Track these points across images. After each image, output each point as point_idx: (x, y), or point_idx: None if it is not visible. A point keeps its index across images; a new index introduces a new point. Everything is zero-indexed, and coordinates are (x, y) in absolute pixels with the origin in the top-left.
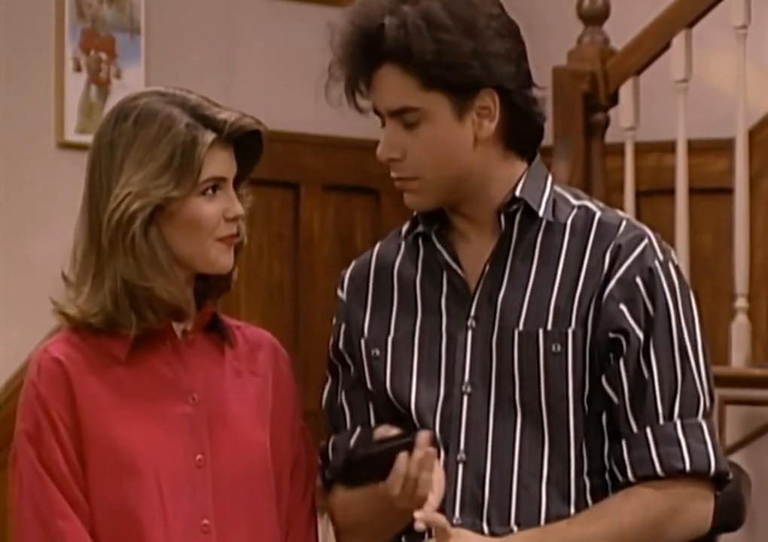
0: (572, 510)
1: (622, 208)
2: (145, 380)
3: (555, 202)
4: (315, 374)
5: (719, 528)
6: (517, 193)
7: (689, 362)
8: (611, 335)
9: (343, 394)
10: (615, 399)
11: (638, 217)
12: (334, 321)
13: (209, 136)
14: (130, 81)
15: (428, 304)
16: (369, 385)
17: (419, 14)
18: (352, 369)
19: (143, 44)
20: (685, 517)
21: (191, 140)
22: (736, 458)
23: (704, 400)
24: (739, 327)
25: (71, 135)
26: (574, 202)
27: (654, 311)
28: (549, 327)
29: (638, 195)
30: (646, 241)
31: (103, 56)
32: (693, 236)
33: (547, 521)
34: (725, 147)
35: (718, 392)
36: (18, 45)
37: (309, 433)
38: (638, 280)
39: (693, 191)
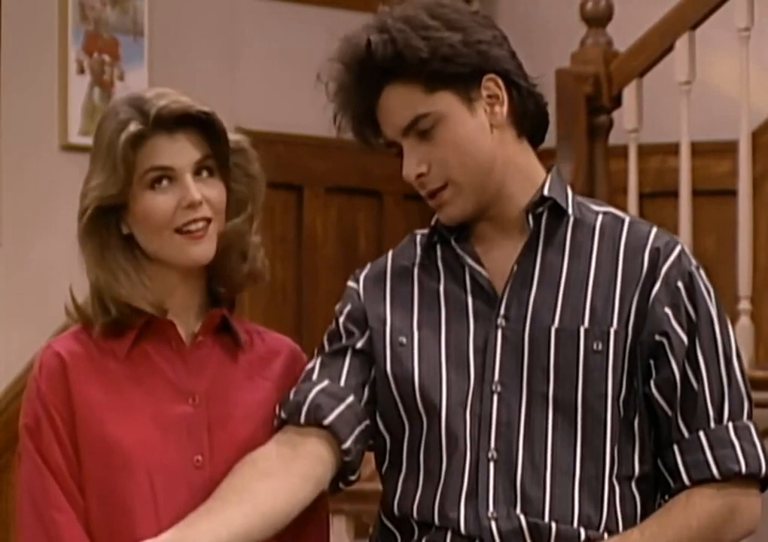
0: (604, 512)
1: (625, 210)
2: (145, 379)
3: (579, 206)
4: None
5: None
6: (546, 192)
7: (732, 365)
8: (657, 338)
9: (321, 357)
10: (664, 404)
11: (642, 219)
12: (337, 307)
13: (134, 127)
14: (133, 83)
15: (453, 306)
16: (389, 372)
17: (401, 21)
18: (337, 349)
19: (146, 46)
20: (741, 517)
21: (116, 134)
22: None
23: (747, 402)
24: (742, 330)
25: (75, 137)
26: (596, 208)
27: (697, 316)
28: (587, 324)
29: (642, 197)
30: (680, 247)
31: (106, 58)
32: (696, 238)
33: (580, 520)
34: (728, 149)
35: None
36: (21, 47)
37: None
38: (680, 284)
39: (696, 193)
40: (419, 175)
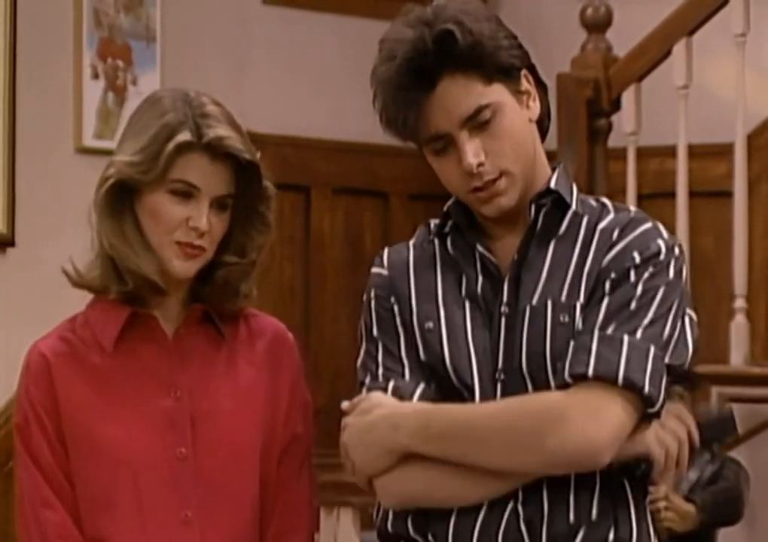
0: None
1: None
2: (129, 374)
3: (583, 203)
4: (325, 372)
5: (719, 522)
6: (552, 184)
7: (649, 309)
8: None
9: (403, 350)
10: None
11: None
12: (374, 292)
13: (184, 136)
14: (146, 88)
15: (470, 293)
16: (423, 357)
17: (464, 14)
18: (403, 338)
19: (158, 52)
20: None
21: (169, 133)
22: (736, 454)
23: (674, 342)
24: (738, 327)
25: (89, 141)
26: (594, 204)
27: (636, 277)
28: (560, 300)
29: (640, 198)
30: (650, 223)
31: (120, 63)
32: (694, 238)
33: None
34: (725, 151)
35: (718, 390)
36: (37, 53)
37: (312, 413)
38: (635, 254)
39: (693, 194)
40: (480, 164)
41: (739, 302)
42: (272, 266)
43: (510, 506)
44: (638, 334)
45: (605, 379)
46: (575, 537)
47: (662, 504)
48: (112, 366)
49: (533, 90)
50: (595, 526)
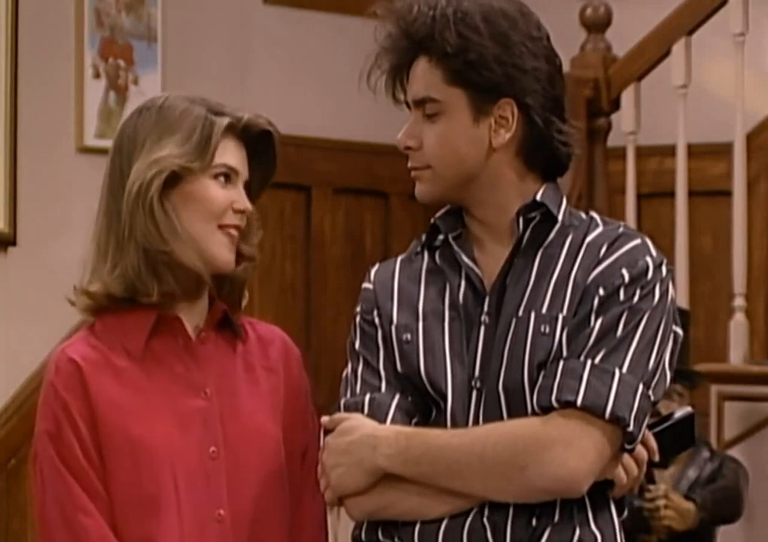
0: None
1: (623, 211)
2: (159, 377)
3: (570, 215)
4: (325, 370)
5: (718, 520)
6: (538, 197)
7: (648, 341)
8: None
9: (381, 363)
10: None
11: (639, 219)
12: (360, 307)
13: (225, 120)
14: (147, 87)
15: (452, 302)
16: (399, 369)
17: (452, 10)
18: (382, 352)
19: (160, 52)
20: (557, 452)
21: (209, 121)
22: (735, 452)
23: (649, 374)
24: (737, 326)
25: (91, 140)
26: (583, 217)
27: (625, 297)
28: (542, 311)
29: (640, 198)
30: (639, 239)
31: (121, 63)
32: (693, 238)
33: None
34: (724, 151)
35: (717, 389)
36: (39, 53)
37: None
38: (624, 271)
39: (692, 194)
40: (407, 147)
41: (738, 301)
42: (273, 265)
43: (475, 509)
44: (626, 366)
45: (592, 410)
46: (540, 539)
47: (661, 502)
48: (140, 370)
49: (512, 122)
50: (558, 529)
